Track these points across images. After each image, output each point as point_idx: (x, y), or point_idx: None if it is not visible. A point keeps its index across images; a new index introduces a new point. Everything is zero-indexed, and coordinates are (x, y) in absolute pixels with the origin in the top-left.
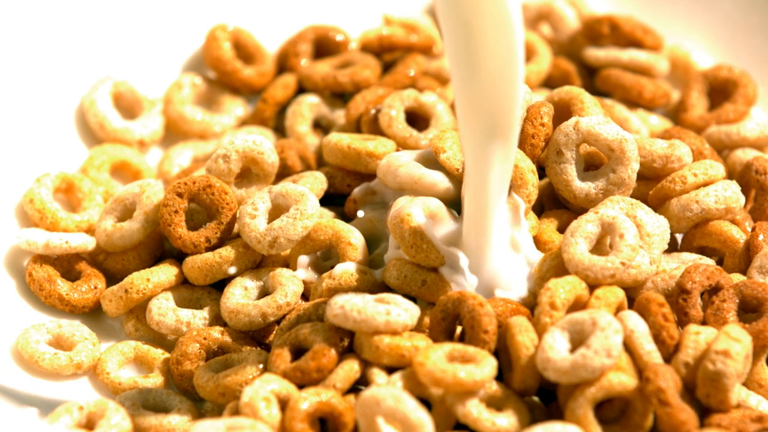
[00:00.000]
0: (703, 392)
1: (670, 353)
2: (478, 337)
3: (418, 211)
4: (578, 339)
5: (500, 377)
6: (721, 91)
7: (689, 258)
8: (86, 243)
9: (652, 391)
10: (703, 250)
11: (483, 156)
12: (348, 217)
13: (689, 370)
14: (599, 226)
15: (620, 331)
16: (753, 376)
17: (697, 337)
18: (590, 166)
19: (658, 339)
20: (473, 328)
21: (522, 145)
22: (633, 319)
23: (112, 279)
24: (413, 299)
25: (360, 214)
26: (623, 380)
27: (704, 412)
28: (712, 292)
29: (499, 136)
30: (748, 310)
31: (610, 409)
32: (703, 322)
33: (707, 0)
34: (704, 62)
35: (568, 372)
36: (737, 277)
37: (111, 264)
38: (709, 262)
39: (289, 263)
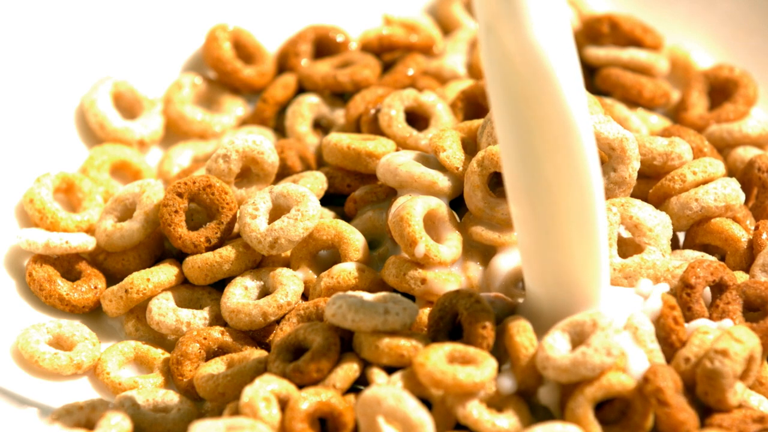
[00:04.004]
0: (702, 390)
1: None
2: (477, 333)
3: (418, 210)
4: (578, 340)
5: None
6: (721, 90)
7: (692, 255)
8: (86, 243)
9: (650, 391)
10: (705, 248)
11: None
12: (348, 217)
13: (689, 366)
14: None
15: (620, 331)
16: None
17: (704, 337)
18: None
19: (666, 341)
20: (471, 324)
21: None
22: (639, 317)
23: (112, 279)
24: (413, 298)
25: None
26: (623, 380)
27: (706, 411)
28: (715, 288)
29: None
30: (751, 310)
31: (610, 410)
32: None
33: (707, 0)
34: (704, 62)
35: (568, 370)
36: (739, 275)
37: (111, 264)
38: (712, 259)
39: (290, 263)
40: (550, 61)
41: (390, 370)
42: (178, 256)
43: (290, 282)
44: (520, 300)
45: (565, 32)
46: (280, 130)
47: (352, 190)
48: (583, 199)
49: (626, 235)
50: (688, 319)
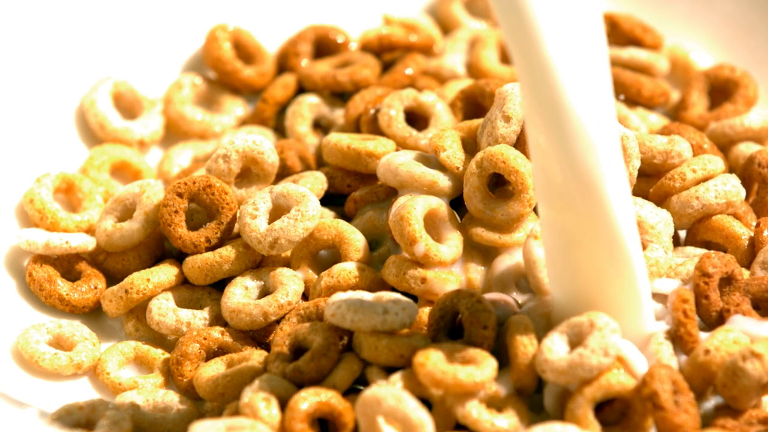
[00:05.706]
0: (722, 382)
1: (687, 351)
2: (478, 333)
3: (418, 209)
4: (577, 341)
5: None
6: (721, 90)
7: (694, 252)
8: (86, 243)
9: (646, 395)
10: (706, 245)
11: None
12: (348, 217)
13: (708, 359)
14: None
15: (617, 331)
16: None
17: (726, 336)
18: None
19: (675, 335)
20: (472, 324)
21: (522, 147)
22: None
23: (112, 279)
24: (413, 297)
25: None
26: (622, 380)
27: (715, 409)
28: (722, 281)
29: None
30: (753, 308)
31: (610, 410)
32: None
33: (707, 0)
34: (704, 62)
35: (566, 372)
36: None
37: (111, 264)
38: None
39: (290, 263)
40: (602, 187)
41: (390, 370)
42: (178, 256)
43: (291, 282)
44: (520, 301)
45: (615, 149)
46: (280, 130)
47: (352, 190)
48: (626, 290)
49: None
50: (705, 307)
